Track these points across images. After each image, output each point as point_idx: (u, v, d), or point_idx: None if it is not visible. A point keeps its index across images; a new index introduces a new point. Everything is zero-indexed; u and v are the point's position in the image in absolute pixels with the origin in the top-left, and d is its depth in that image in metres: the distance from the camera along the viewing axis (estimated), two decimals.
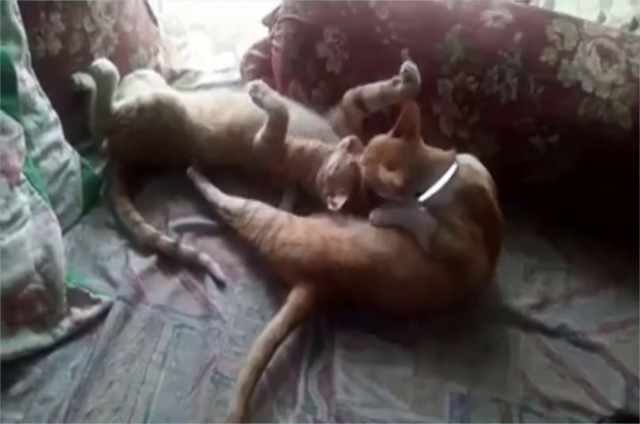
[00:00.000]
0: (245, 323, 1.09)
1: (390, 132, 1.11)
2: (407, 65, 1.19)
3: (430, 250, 1.06)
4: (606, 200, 1.22)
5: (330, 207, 1.14)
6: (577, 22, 1.26)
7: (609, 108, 1.19)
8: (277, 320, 1.04)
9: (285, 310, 1.05)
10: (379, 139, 1.12)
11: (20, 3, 1.11)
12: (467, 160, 1.13)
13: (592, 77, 1.21)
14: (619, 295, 1.16)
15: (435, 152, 1.10)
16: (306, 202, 1.27)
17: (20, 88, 1.09)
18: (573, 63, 1.22)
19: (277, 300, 1.11)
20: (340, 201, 1.13)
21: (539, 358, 1.06)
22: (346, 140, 1.20)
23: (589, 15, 1.43)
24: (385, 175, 1.06)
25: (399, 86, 1.20)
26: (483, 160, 1.16)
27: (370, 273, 1.07)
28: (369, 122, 1.30)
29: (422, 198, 1.06)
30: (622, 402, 1.00)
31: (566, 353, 1.07)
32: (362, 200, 1.14)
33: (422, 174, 1.06)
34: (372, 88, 1.25)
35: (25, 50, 1.14)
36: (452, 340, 1.07)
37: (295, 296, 1.07)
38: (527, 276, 1.18)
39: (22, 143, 1.07)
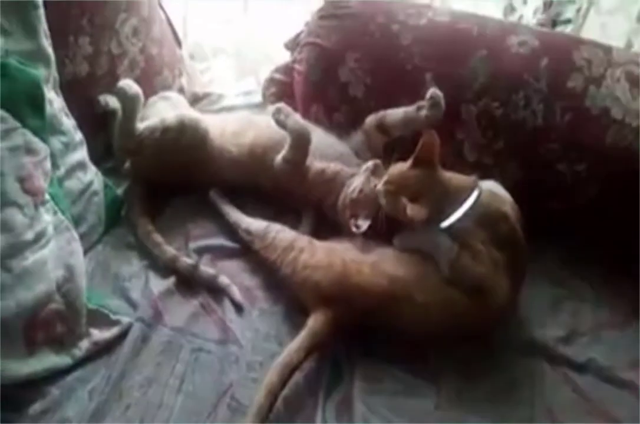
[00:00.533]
0: (263, 349, 1.07)
1: (409, 162, 1.11)
2: (434, 92, 1.19)
3: (450, 275, 1.04)
4: (633, 229, 1.19)
5: (353, 229, 1.14)
6: (605, 49, 1.25)
7: (638, 135, 1.18)
8: (295, 344, 1.02)
9: (303, 334, 1.04)
10: (397, 169, 1.12)
11: (50, 27, 1.13)
12: (490, 185, 1.12)
13: (621, 104, 1.19)
14: None
15: (457, 178, 1.10)
16: (325, 225, 1.26)
17: (48, 109, 1.10)
18: (601, 90, 1.21)
19: (295, 325, 1.10)
20: (364, 224, 1.13)
21: (567, 394, 1.02)
22: (370, 163, 1.20)
23: (616, 42, 1.41)
24: (409, 208, 1.05)
25: (423, 112, 1.20)
26: (507, 186, 1.15)
27: (389, 297, 1.06)
28: (390, 146, 1.29)
29: (444, 224, 1.05)
30: None
31: (594, 389, 1.03)
32: (383, 224, 1.13)
33: (444, 202, 1.06)
34: (396, 113, 1.24)
35: (54, 73, 1.16)
36: (475, 373, 1.04)
37: (314, 321, 1.06)
38: (554, 307, 1.15)
39: (47, 164, 1.07)
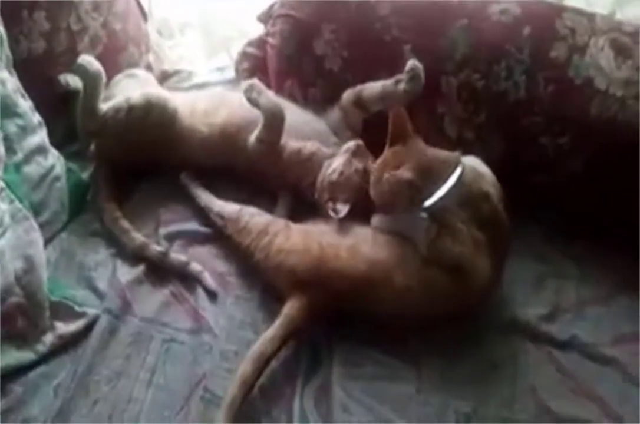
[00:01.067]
0: (238, 338, 1.04)
1: (387, 145, 1.07)
2: (413, 63, 1.14)
3: (428, 254, 1.01)
4: (617, 203, 1.16)
5: (332, 214, 1.10)
6: (589, 16, 1.20)
7: (623, 106, 1.13)
8: (270, 333, 1.00)
9: (278, 322, 1.01)
10: (379, 159, 1.09)
11: (1, 2, 1.06)
12: (472, 161, 1.08)
13: (605, 74, 1.14)
14: (632, 304, 1.10)
15: (439, 153, 1.05)
16: (302, 206, 1.22)
17: (0, 90, 1.04)
18: (585, 59, 1.15)
19: (271, 312, 1.06)
20: (343, 209, 1.09)
21: (550, 372, 1.01)
22: (351, 144, 1.16)
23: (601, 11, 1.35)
24: (391, 173, 1.01)
25: (402, 86, 1.15)
26: (489, 161, 1.11)
27: (368, 281, 1.02)
28: (370, 123, 1.24)
29: (428, 203, 1.01)
30: (638, 420, 0.94)
31: (578, 367, 1.01)
32: (363, 208, 1.10)
33: (427, 177, 1.01)
34: (373, 87, 1.19)
35: (6, 50, 1.10)
36: (457, 354, 1.02)
37: (290, 308, 1.03)
38: (537, 284, 1.13)
39: (1, 148, 1.02)
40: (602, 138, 1.14)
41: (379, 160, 1.08)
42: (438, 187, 1.01)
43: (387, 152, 1.07)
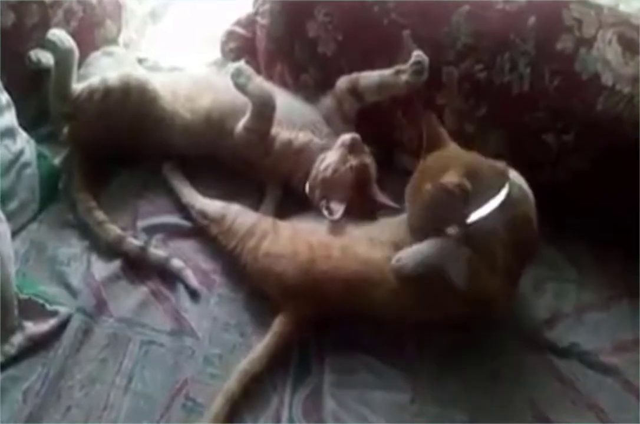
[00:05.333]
0: (222, 341, 1.01)
1: (422, 156, 0.99)
2: (420, 56, 1.10)
3: (465, 288, 0.92)
4: (622, 205, 1.12)
5: (325, 213, 1.06)
6: (596, 8, 1.15)
7: (630, 103, 1.09)
8: (259, 351, 0.97)
9: (268, 340, 0.98)
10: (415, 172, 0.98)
11: None
12: (516, 178, 0.98)
13: (612, 69, 1.10)
14: (633, 310, 1.08)
15: (486, 160, 0.96)
16: (291, 200, 1.17)
17: None
18: (592, 52, 1.11)
19: (258, 313, 1.04)
20: (339, 209, 1.05)
21: (549, 382, 0.99)
22: (347, 137, 1.11)
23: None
24: (434, 182, 0.89)
25: (404, 77, 1.11)
26: (488, 157, 1.03)
27: (361, 281, 0.98)
28: (365, 113, 1.19)
29: (472, 218, 0.91)
30: None
31: (578, 376, 1.00)
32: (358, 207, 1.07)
33: (478, 182, 0.89)
34: (371, 76, 1.15)
35: None
36: (453, 362, 1.00)
37: (280, 325, 0.99)
38: (537, 288, 1.10)
39: None
40: (608, 136, 1.10)
41: (415, 173, 0.98)
42: (486, 200, 0.91)
43: (423, 161, 0.97)
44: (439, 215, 0.93)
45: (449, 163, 0.92)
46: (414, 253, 0.96)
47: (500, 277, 0.93)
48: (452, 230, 0.93)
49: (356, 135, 1.11)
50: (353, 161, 1.08)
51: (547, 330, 1.05)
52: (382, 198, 1.11)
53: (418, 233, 0.97)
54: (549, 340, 1.04)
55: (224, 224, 1.07)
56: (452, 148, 0.98)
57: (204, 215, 1.10)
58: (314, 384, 0.97)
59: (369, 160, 1.11)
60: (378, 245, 1.01)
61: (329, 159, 1.10)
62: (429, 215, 0.94)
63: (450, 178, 0.87)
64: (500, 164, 0.94)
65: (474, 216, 0.91)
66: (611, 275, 1.12)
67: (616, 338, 1.05)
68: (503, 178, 0.93)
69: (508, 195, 0.92)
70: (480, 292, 0.92)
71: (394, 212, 1.07)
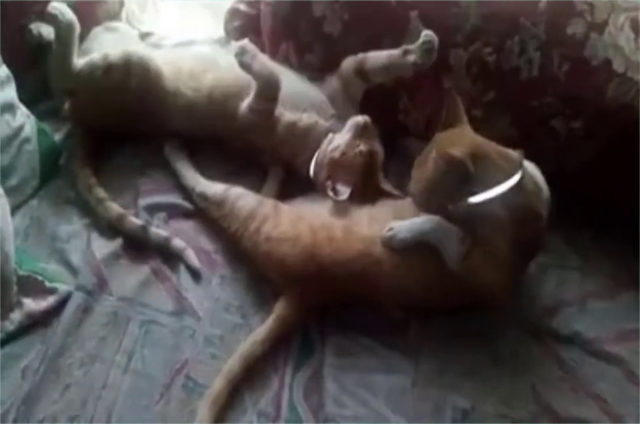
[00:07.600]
0: (223, 321, 1.00)
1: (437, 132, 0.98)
2: (430, 35, 1.07)
3: (457, 272, 0.92)
4: (628, 195, 1.11)
5: (330, 193, 1.04)
6: None
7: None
8: (261, 333, 0.96)
9: (270, 324, 0.97)
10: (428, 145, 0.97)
11: None
12: (533, 171, 0.97)
13: (624, 55, 1.09)
14: (636, 299, 1.07)
15: (499, 146, 0.95)
16: (293, 182, 1.16)
17: None
18: (603, 37, 1.09)
19: (260, 294, 1.03)
20: (345, 191, 1.03)
21: (551, 369, 0.98)
22: (359, 120, 1.08)
23: None
24: (440, 152, 0.89)
25: (412, 57, 1.09)
26: (495, 142, 1.03)
27: (366, 261, 0.97)
28: (369, 96, 1.17)
29: (473, 199, 0.90)
30: (639, 420, 0.92)
31: (580, 364, 0.99)
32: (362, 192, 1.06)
33: (483, 164, 0.89)
34: (378, 57, 1.13)
35: None
36: (456, 347, 0.99)
37: (282, 309, 0.99)
38: (540, 275, 1.09)
39: None
40: (616, 124, 1.09)
41: (428, 145, 0.97)
42: (492, 183, 0.90)
43: (436, 136, 0.97)
44: (440, 186, 0.92)
45: (461, 140, 0.92)
46: (406, 225, 0.96)
47: (499, 269, 0.92)
48: (453, 208, 0.92)
49: (367, 118, 1.08)
50: (363, 146, 1.06)
51: (550, 317, 1.04)
52: (387, 186, 1.09)
53: (419, 204, 0.97)
54: (551, 328, 1.03)
55: (225, 207, 1.06)
56: (468, 129, 0.97)
57: (204, 197, 1.09)
58: (315, 367, 0.96)
59: (378, 147, 1.09)
60: (381, 223, 0.99)
61: (338, 140, 1.08)
62: (430, 185, 0.93)
63: (454, 150, 0.87)
64: (515, 153, 0.93)
65: (478, 198, 0.90)
66: (615, 263, 1.11)
67: (619, 328, 1.03)
68: (514, 166, 0.91)
69: (519, 187, 0.90)
70: (476, 281, 0.92)
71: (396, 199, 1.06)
